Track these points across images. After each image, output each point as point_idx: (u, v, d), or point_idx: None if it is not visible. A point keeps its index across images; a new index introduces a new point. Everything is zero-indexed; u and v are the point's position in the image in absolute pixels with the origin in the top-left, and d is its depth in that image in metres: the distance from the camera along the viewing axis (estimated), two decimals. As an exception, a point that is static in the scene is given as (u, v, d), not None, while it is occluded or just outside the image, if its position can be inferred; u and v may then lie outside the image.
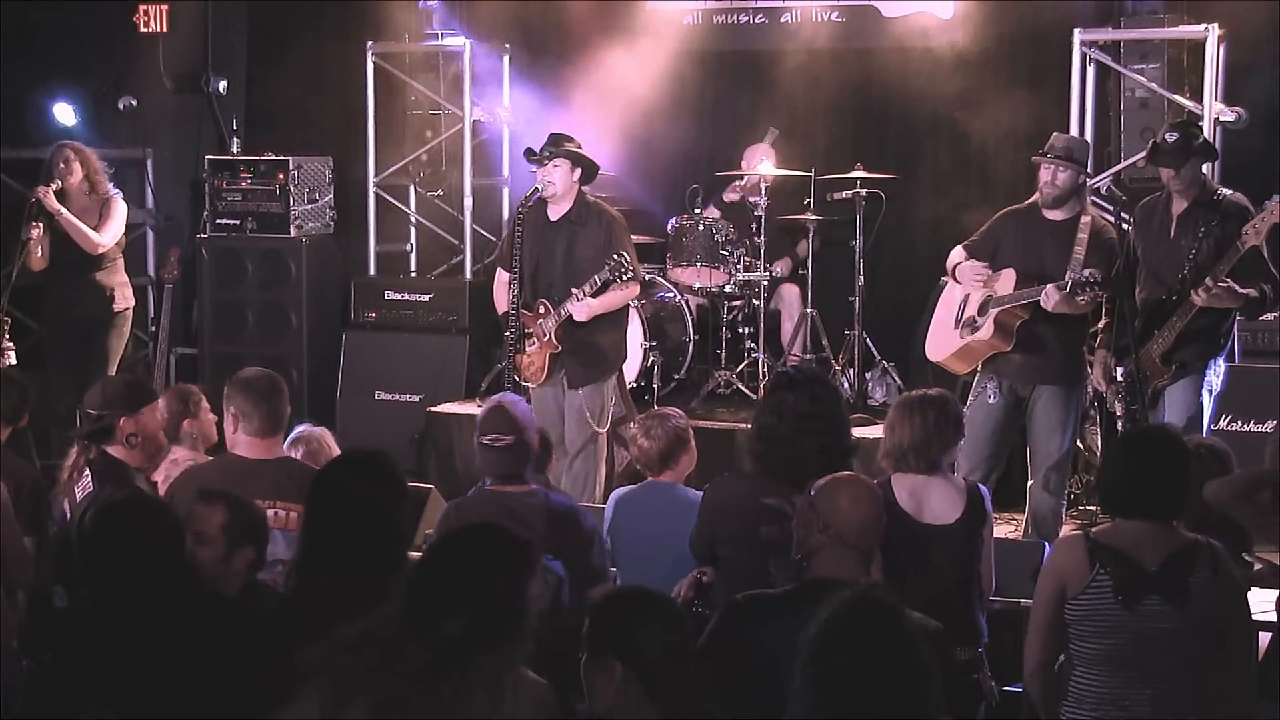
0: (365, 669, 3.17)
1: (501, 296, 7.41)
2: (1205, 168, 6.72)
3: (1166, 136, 6.53)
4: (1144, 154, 6.70)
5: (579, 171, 7.25)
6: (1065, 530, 6.74)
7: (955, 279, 6.92)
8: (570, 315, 7.12)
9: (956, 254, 6.93)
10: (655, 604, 3.46)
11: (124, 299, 8.45)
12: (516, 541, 3.37)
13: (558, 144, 7.24)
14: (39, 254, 8.24)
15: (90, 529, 3.90)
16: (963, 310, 6.86)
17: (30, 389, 5.78)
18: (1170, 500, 4.14)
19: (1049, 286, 6.42)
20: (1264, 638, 4.59)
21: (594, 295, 7.12)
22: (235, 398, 5.15)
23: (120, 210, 8.40)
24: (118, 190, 8.48)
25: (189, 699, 3.57)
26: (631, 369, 8.20)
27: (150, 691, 3.57)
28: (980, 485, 5.09)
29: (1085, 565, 4.08)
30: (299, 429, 5.72)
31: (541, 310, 7.23)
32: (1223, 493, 4.25)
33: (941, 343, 6.96)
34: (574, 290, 7.11)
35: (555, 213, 7.30)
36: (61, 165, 8.22)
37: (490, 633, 3.21)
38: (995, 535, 5.09)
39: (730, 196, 9.25)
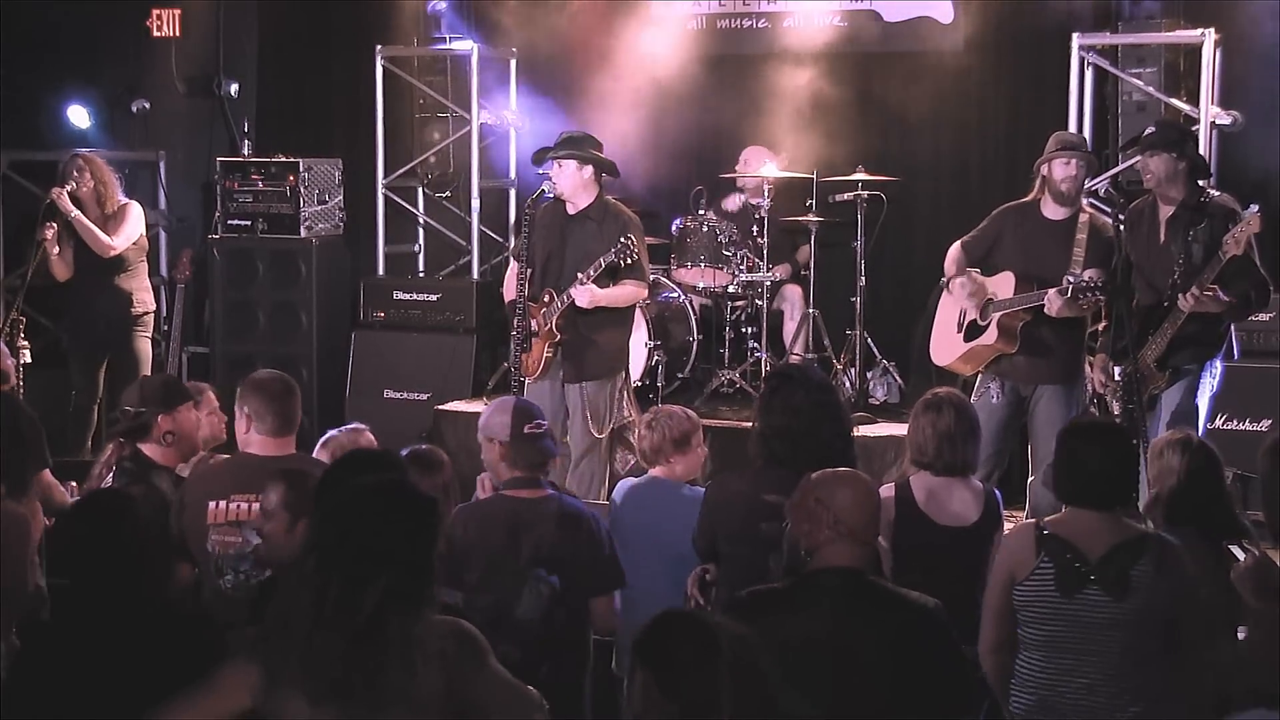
0: (292, 652, 3.18)
1: (511, 285, 7.45)
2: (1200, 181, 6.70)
3: (1146, 130, 6.61)
4: (1135, 154, 6.73)
5: (589, 169, 7.28)
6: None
7: (949, 291, 6.95)
8: (573, 301, 7.15)
9: (954, 251, 6.96)
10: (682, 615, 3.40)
11: (142, 303, 8.49)
12: (425, 500, 3.41)
13: (562, 145, 7.30)
14: (55, 253, 8.28)
15: (55, 526, 3.99)
16: (964, 314, 6.90)
17: (39, 427, 5.70)
18: (1117, 491, 4.23)
19: (1051, 292, 6.45)
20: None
21: (599, 283, 7.14)
22: (249, 399, 5.14)
23: (134, 214, 8.44)
24: (129, 200, 8.50)
25: (122, 704, 3.55)
26: (636, 368, 8.23)
27: (92, 694, 3.58)
28: (995, 490, 5.15)
29: (1031, 553, 4.19)
30: (330, 432, 5.69)
31: (546, 299, 7.28)
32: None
33: (946, 348, 7.00)
34: (579, 275, 7.15)
35: (573, 208, 7.35)
36: (75, 174, 8.28)
37: (405, 595, 3.22)
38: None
39: (730, 205, 9.25)
